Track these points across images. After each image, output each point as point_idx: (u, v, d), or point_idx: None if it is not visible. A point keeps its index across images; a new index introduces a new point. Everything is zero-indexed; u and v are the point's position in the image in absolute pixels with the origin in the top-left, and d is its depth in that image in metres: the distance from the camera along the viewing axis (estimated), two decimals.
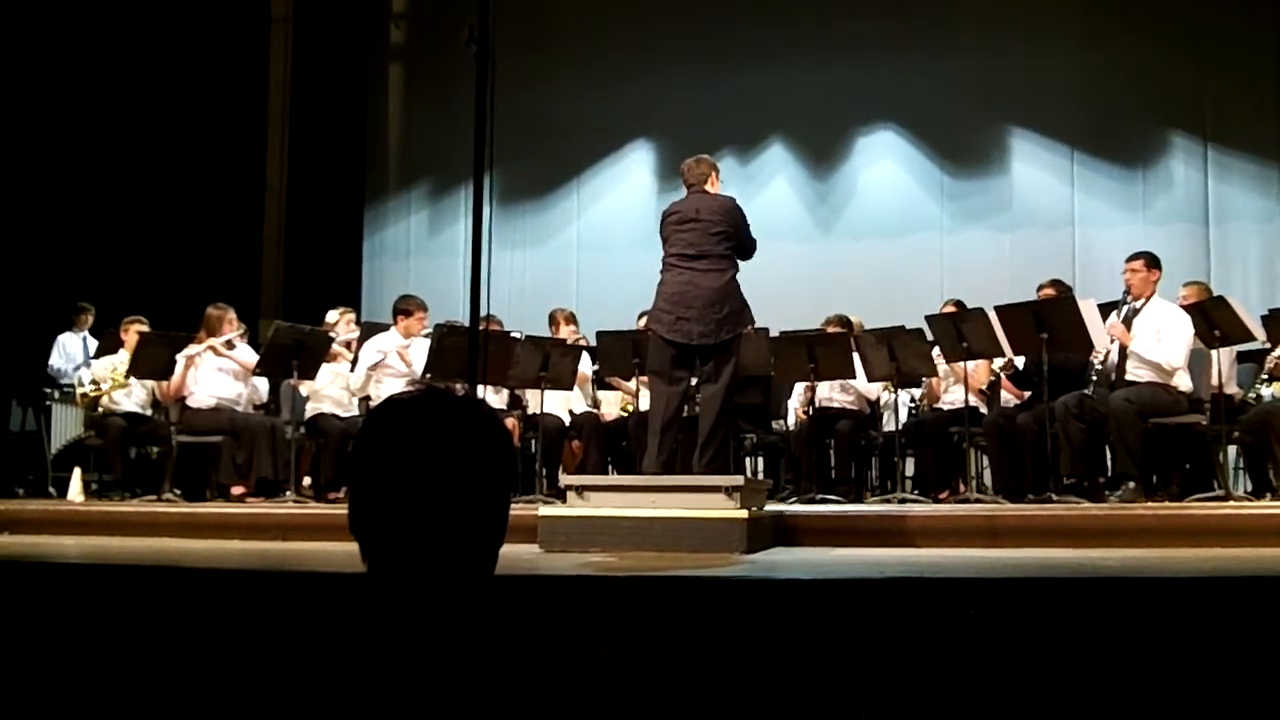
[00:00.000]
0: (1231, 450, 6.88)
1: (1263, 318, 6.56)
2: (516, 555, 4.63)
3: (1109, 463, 6.51)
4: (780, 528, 5.46)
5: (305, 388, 7.63)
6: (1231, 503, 5.89)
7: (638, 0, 10.94)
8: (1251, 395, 6.79)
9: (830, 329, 7.57)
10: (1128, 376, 6.35)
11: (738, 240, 5.65)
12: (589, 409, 7.94)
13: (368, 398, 7.37)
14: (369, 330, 7.93)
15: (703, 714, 2.55)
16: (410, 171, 11.54)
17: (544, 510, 5.26)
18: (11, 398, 8.64)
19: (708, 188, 5.75)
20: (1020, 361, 6.98)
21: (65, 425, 8.06)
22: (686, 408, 5.90)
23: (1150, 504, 5.90)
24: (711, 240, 5.56)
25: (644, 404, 6.89)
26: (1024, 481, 6.51)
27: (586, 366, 7.87)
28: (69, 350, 8.78)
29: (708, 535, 4.82)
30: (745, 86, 10.44)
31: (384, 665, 1.26)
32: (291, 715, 1.25)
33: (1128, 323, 6.45)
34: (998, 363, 7.12)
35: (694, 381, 5.80)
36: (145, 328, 7.71)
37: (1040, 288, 7.10)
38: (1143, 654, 2.72)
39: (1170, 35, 9.78)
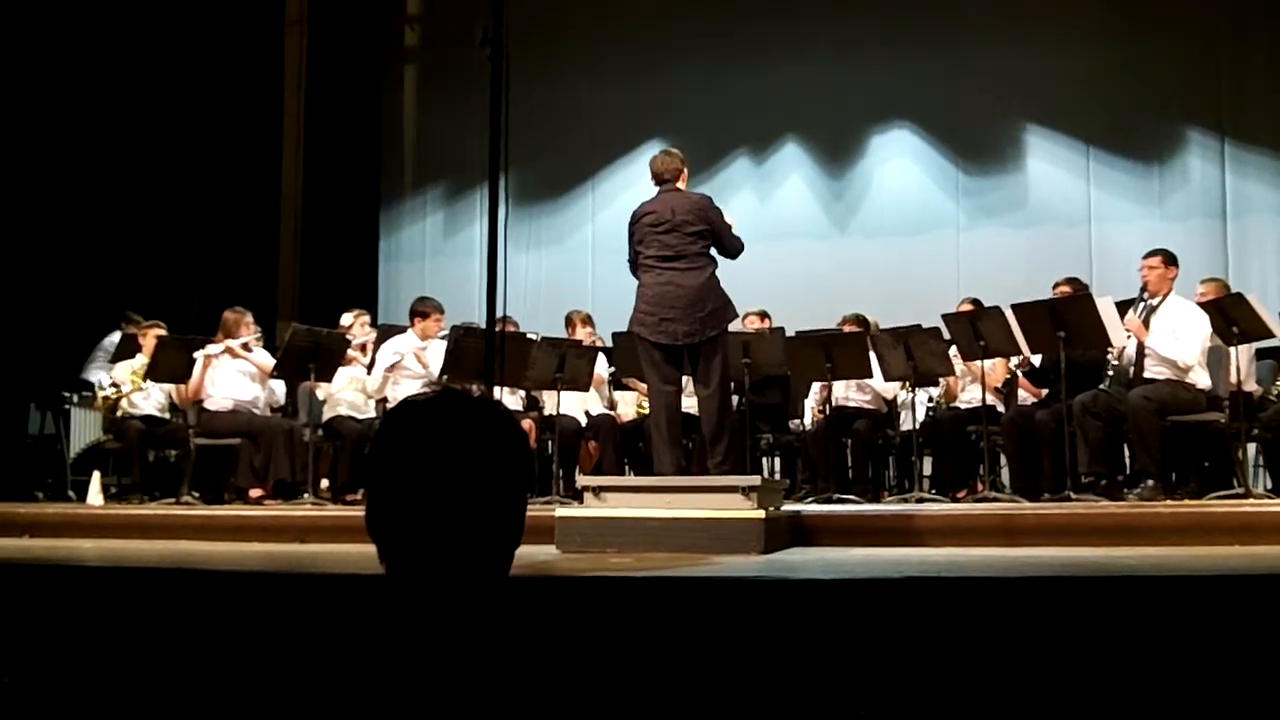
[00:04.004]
0: (1251, 448, 6.83)
1: None
2: (533, 556, 4.64)
3: (1127, 461, 6.48)
4: (797, 527, 5.45)
5: (321, 391, 7.65)
6: (1251, 500, 5.84)
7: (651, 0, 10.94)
8: (1273, 393, 6.74)
9: (847, 328, 7.56)
10: (1146, 374, 6.31)
11: (715, 239, 5.63)
12: (605, 410, 7.95)
13: (385, 399, 7.39)
14: (386, 332, 7.95)
15: (719, 714, 2.55)
16: (425, 173, 11.56)
17: (561, 511, 5.27)
18: (30, 401, 8.67)
19: (679, 185, 5.74)
20: (1037, 359, 6.95)
21: (84, 429, 8.09)
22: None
23: (1169, 502, 5.87)
24: (688, 240, 5.56)
25: None
26: (1042, 480, 6.48)
27: (603, 368, 7.87)
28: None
29: (725, 535, 4.82)
30: (759, 85, 10.41)
31: (401, 666, 1.26)
32: (310, 716, 1.26)
33: (1146, 321, 6.41)
34: (1014, 361, 7.09)
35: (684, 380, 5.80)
36: (163, 331, 7.75)
37: (1056, 285, 7.06)
38: (1162, 653, 2.70)
39: (1185, 29, 9.71)
